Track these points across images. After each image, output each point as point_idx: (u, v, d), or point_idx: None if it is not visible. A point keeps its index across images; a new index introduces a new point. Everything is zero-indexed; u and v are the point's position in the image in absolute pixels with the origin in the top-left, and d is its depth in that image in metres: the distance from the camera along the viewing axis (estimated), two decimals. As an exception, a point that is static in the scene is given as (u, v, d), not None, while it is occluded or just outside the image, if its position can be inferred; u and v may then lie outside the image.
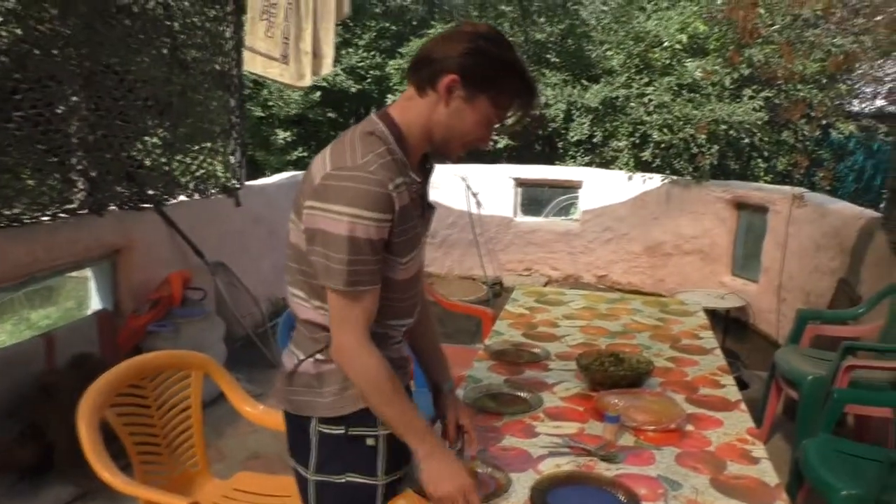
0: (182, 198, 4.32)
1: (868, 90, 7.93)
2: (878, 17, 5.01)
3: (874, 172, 8.69)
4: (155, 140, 4.02)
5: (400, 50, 9.35)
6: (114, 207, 3.65)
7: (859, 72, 7.48)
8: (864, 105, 8.17)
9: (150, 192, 3.95)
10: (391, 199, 1.33)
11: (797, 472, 2.63)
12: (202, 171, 4.50)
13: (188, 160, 4.36)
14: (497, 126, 1.46)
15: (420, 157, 1.48)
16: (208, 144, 4.54)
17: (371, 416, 1.45)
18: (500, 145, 8.44)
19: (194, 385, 2.18)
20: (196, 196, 4.44)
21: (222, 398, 2.32)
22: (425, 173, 1.52)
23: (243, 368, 4.36)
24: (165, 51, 3.97)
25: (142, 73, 3.79)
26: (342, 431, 1.47)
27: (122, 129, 3.65)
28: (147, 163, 3.97)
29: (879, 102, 7.61)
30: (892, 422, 2.86)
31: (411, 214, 1.42)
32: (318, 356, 1.47)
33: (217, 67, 4.51)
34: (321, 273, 1.36)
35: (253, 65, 4.08)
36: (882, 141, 7.58)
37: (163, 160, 4.10)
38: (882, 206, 4.21)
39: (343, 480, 1.48)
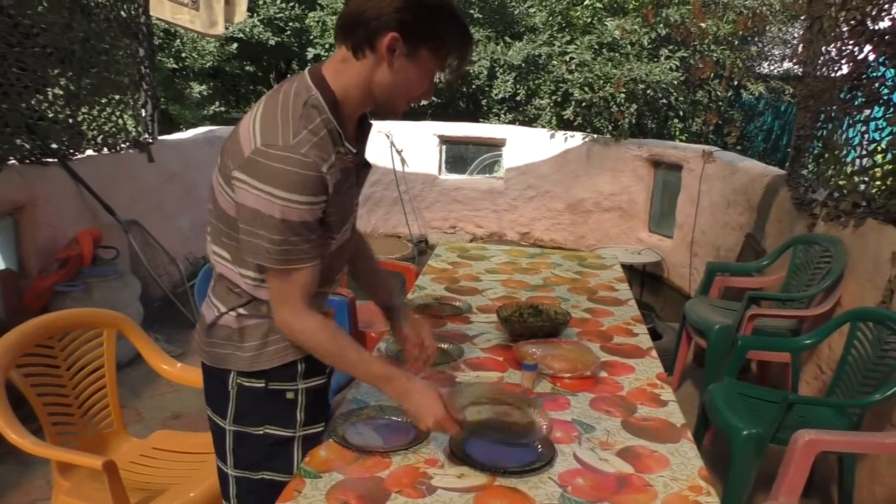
0: (90, 152, 4.11)
1: (777, 52, 8.24)
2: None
3: (781, 132, 9.08)
4: (57, 91, 3.79)
5: (320, 1, 9.06)
6: (13, 161, 3.45)
7: (769, 34, 7.76)
8: (773, 67, 8.49)
9: (54, 145, 3.74)
10: (324, 181, 1.29)
11: (704, 414, 2.78)
12: (111, 124, 4.29)
13: (94, 112, 4.14)
14: (437, 77, 1.42)
15: (357, 117, 1.43)
16: (116, 96, 4.33)
17: (291, 371, 1.46)
18: (423, 102, 8.37)
19: (107, 344, 2.11)
20: (105, 151, 4.23)
21: (140, 359, 2.26)
22: (363, 131, 1.47)
23: (162, 329, 4.25)
24: (65, -6, 3.73)
25: (39, 19, 3.55)
26: (262, 385, 1.46)
27: (20, 78, 3.43)
28: (49, 115, 3.74)
29: (787, 65, 7.92)
30: (790, 366, 3.05)
31: (344, 187, 1.39)
32: (241, 310, 1.44)
33: (123, 14, 4.27)
34: (252, 252, 1.32)
35: (160, 10, 3.88)
36: (789, 102, 7.91)
37: (67, 112, 3.87)
38: (787, 164, 4.42)
39: (261, 432, 1.48)
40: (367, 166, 1.51)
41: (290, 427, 1.49)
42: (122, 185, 4.28)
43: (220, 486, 1.59)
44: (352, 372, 1.48)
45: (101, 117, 4.21)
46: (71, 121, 3.91)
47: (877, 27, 3.04)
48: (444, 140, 7.35)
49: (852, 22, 3.28)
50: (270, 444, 1.49)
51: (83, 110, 4.05)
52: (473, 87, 8.19)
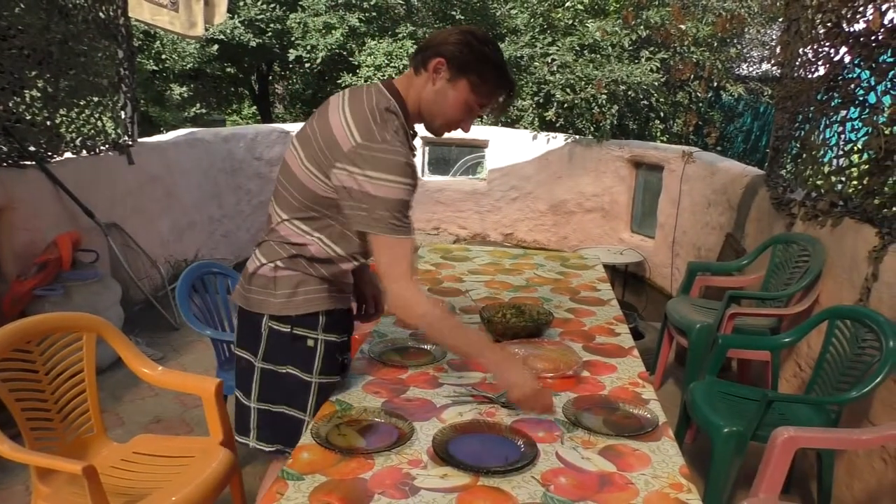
0: (68, 155, 4.07)
1: (755, 54, 8.33)
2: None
3: (760, 133, 9.19)
4: (34, 92, 3.74)
5: (301, 3, 9.03)
6: (-9, 165, 3.41)
7: (748, 36, 7.85)
8: (752, 69, 8.59)
9: (32, 148, 3.69)
10: (415, 168, 1.61)
11: (686, 412, 2.80)
12: (89, 126, 4.25)
13: (73, 115, 4.10)
14: (477, 112, 1.70)
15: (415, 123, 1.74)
16: (95, 98, 4.28)
17: (314, 320, 1.71)
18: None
19: (86, 348, 2.09)
20: (84, 153, 4.19)
21: (120, 362, 2.24)
22: (414, 133, 1.75)
23: (143, 332, 4.22)
24: (42, -5, 3.69)
25: (16, 20, 3.51)
26: (288, 330, 1.71)
27: (-4, 80, 3.39)
28: (27, 117, 3.70)
29: (765, 66, 8.01)
30: (769, 364, 3.08)
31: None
32: (279, 263, 1.70)
33: (101, 15, 4.23)
34: (362, 223, 1.58)
35: (139, 12, 3.85)
36: (767, 103, 8.01)
37: (45, 114, 3.83)
38: (766, 164, 4.46)
39: (285, 371, 1.73)
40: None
41: (308, 372, 1.73)
42: (101, 188, 4.24)
43: (237, 419, 1.83)
44: (450, 337, 1.66)
45: (80, 119, 4.16)
46: (49, 123, 3.87)
47: (852, 29, 3.08)
48: (427, 141, 7.36)
49: (828, 24, 3.32)
50: (292, 384, 1.73)
51: (61, 112, 4.01)
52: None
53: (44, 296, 3.45)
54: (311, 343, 1.72)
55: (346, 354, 1.88)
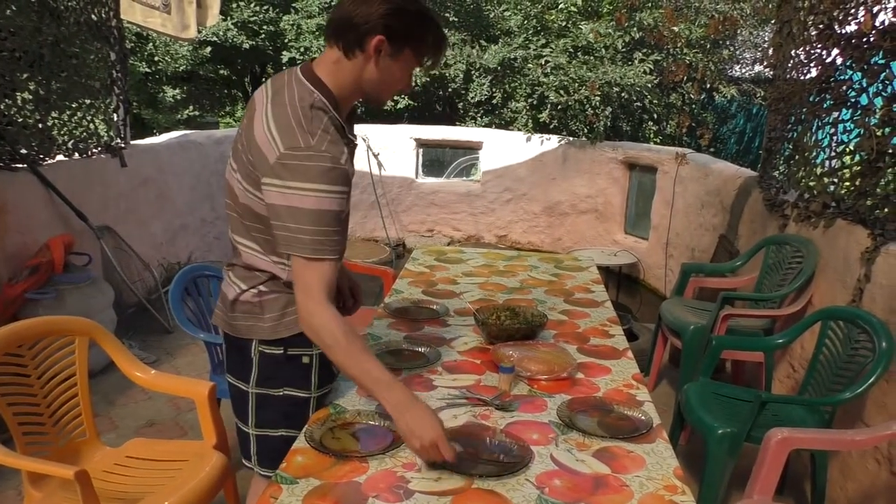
0: (61, 157, 4.05)
1: (748, 56, 8.36)
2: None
3: (753, 135, 9.21)
4: (26, 95, 3.72)
5: (294, 4, 9.02)
6: (-18, 168, 3.39)
7: (740, 38, 7.87)
8: (744, 70, 8.62)
9: (24, 151, 3.67)
10: (347, 173, 1.46)
11: (680, 414, 2.81)
12: (82, 129, 4.23)
13: (65, 117, 4.08)
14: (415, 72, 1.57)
15: (350, 110, 1.62)
16: (87, 101, 4.26)
17: (307, 337, 1.54)
18: (400, 105, 8.38)
19: (79, 351, 2.08)
20: (76, 156, 4.17)
21: (113, 366, 2.23)
22: (350, 116, 1.65)
23: (136, 335, 4.21)
24: (34, -2, 3.68)
25: (7, 22, 3.49)
26: (281, 351, 1.64)
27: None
28: (18, 119, 3.68)
29: (758, 68, 8.04)
30: (763, 365, 3.09)
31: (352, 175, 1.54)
32: (261, 287, 1.62)
33: (93, 17, 4.22)
34: (286, 244, 1.46)
35: (132, 14, 3.83)
36: (760, 104, 8.03)
37: (36, 117, 3.81)
38: (759, 166, 4.48)
39: (281, 393, 1.68)
40: (354, 144, 1.65)
41: (306, 388, 1.69)
42: (94, 191, 4.22)
43: (241, 446, 1.77)
44: (355, 369, 1.48)
45: (72, 122, 4.14)
46: (41, 126, 3.85)
47: (844, 31, 3.10)
48: (421, 143, 7.36)
49: (820, 26, 3.33)
50: (289, 405, 1.68)
51: (53, 115, 3.99)
52: (450, 90, 8.21)
53: (36, 299, 3.43)
54: (306, 360, 1.67)
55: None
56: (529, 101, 7.25)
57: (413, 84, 1.60)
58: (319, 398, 1.72)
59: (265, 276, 1.62)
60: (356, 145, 1.66)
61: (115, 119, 4.60)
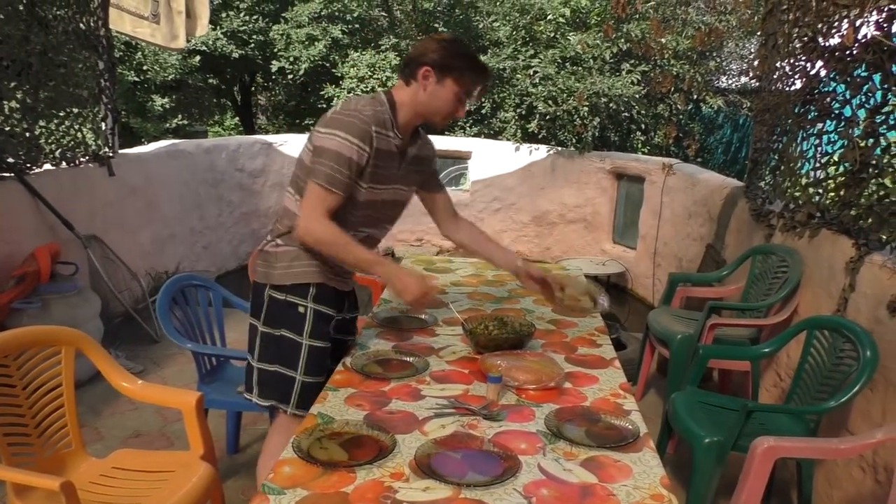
0: (48, 166, 4.03)
1: (734, 67, 8.45)
2: (741, -1, 5.34)
3: (740, 145, 9.30)
4: (13, 104, 3.71)
5: (284, 14, 9.03)
6: (-32, 176, 3.37)
7: (727, 50, 7.95)
8: (731, 81, 8.70)
9: (11, 159, 3.66)
10: (371, 135, 1.90)
11: (667, 423, 2.82)
12: (69, 137, 4.21)
13: (52, 126, 4.07)
14: (466, 100, 1.99)
15: (412, 129, 2.06)
16: (75, 109, 4.25)
17: (305, 290, 2.01)
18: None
19: (65, 362, 2.06)
20: (64, 165, 4.15)
21: (100, 376, 2.21)
22: (414, 137, 2.11)
23: (123, 345, 4.18)
24: (21, 7, 3.66)
25: (-5, 31, 3.48)
26: (283, 297, 2.01)
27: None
28: (6, 128, 3.66)
29: (744, 79, 8.12)
30: (750, 374, 3.11)
31: (387, 159, 1.99)
32: (278, 240, 2.03)
33: (81, 26, 4.21)
34: (312, 174, 1.90)
35: (120, 24, 3.83)
36: (746, 115, 8.11)
37: (24, 126, 3.80)
38: (745, 176, 4.52)
39: (279, 334, 2.03)
40: (415, 171, 2.18)
41: (300, 334, 2.01)
42: (81, 200, 4.21)
43: (246, 379, 2.11)
44: (348, 257, 1.93)
45: (60, 131, 4.13)
46: (28, 134, 3.83)
47: (827, 44, 3.14)
48: (410, 153, 7.36)
49: (804, 39, 3.38)
50: (285, 346, 2.02)
51: (41, 124, 3.98)
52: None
53: (22, 309, 3.41)
54: (301, 310, 2.01)
55: (348, 337, 2.25)
56: (518, 111, 7.29)
57: (463, 112, 2.05)
58: (313, 349, 2.02)
59: (286, 227, 2.00)
60: (405, 149, 2.06)
61: (103, 128, 4.59)
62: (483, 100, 7.65)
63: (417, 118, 2.03)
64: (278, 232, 2.04)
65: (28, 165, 3.81)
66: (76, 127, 4.29)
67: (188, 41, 3.99)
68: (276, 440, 2.05)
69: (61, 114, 4.14)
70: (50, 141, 4.06)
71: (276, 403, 2.05)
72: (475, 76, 1.98)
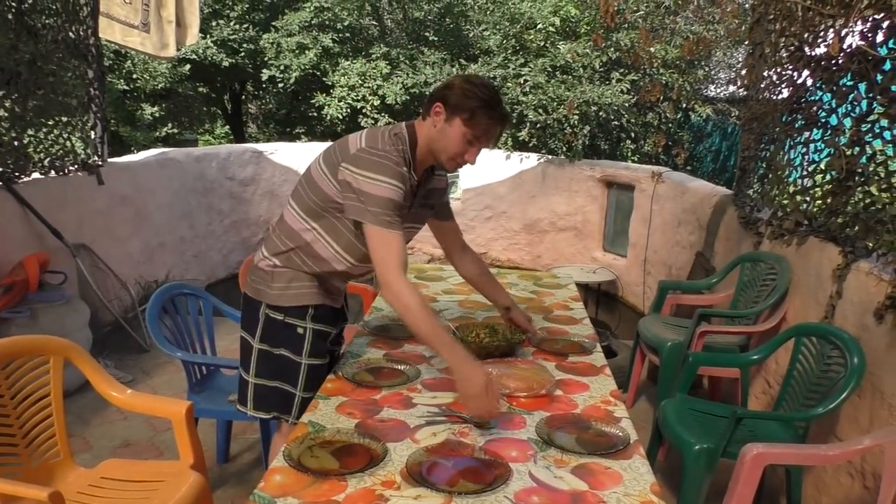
0: (36, 175, 4.01)
1: (723, 76, 8.52)
2: (728, 9, 5.39)
3: (729, 153, 9.37)
4: (2, 112, 3.70)
5: (274, 23, 9.04)
6: (-44, 185, 3.35)
7: (715, 59, 8.02)
8: (719, 90, 8.77)
9: (-1, 168, 3.64)
10: (404, 175, 1.87)
11: (658, 430, 2.82)
12: (58, 146, 4.20)
13: (41, 135, 4.05)
14: (478, 145, 1.94)
15: (425, 165, 2.02)
16: (64, 118, 4.24)
17: (303, 312, 2.00)
18: (380, 123, 8.39)
19: (53, 371, 2.05)
20: (52, 173, 4.14)
21: (89, 385, 2.20)
22: (427, 176, 2.08)
23: (112, 354, 4.16)
24: (10, 16, 3.66)
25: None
26: (281, 318, 2.00)
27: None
28: (-7, 137, 3.65)
29: (732, 88, 8.19)
30: (739, 381, 3.13)
31: (405, 199, 1.91)
32: (276, 259, 2.00)
33: (71, 35, 4.20)
34: (354, 212, 1.84)
35: (111, 33, 3.82)
36: (734, 124, 8.17)
37: (12, 134, 3.78)
38: (734, 184, 4.55)
39: (278, 353, 2.02)
40: (427, 206, 2.15)
41: (298, 354, 2.01)
42: (70, 209, 4.19)
43: (239, 392, 2.10)
44: (425, 332, 1.78)
45: (49, 139, 4.11)
46: (17, 143, 3.81)
47: (813, 53, 3.17)
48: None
49: (791, 48, 3.41)
50: (284, 364, 2.02)
51: (29, 132, 3.96)
52: (429, 108, 8.24)
53: (10, 318, 3.39)
54: (300, 331, 2.00)
55: (336, 347, 2.22)
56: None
57: (472, 158, 1.99)
58: (311, 367, 2.02)
59: (286, 246, 1.98)
60: (416, 188, 2.02)
61: (93, 137, 4.58)
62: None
63: (430, 156, 1.98)
64: (277, 250, 2.00)
65: (16, 174, 3.79)
66: (65, 136, 4.27)
67: (178, 50, 3.99)
68: (282, 443, 2.02)
69: (50, 122, 4.13)
70: (39, 150, 4.05)
71: (278, 415, 2.07)
72: (487, 120, 1.90)
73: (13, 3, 3.65)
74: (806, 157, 3.29)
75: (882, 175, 2.63)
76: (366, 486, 1.42)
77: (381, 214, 1.80)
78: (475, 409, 1.69)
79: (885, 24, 2.60)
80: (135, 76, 9.55)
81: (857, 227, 2.71)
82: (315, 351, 2.03)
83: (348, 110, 7.94)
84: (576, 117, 6.74)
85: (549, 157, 6.97)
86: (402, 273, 1.79)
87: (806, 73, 3.27)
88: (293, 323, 1.99)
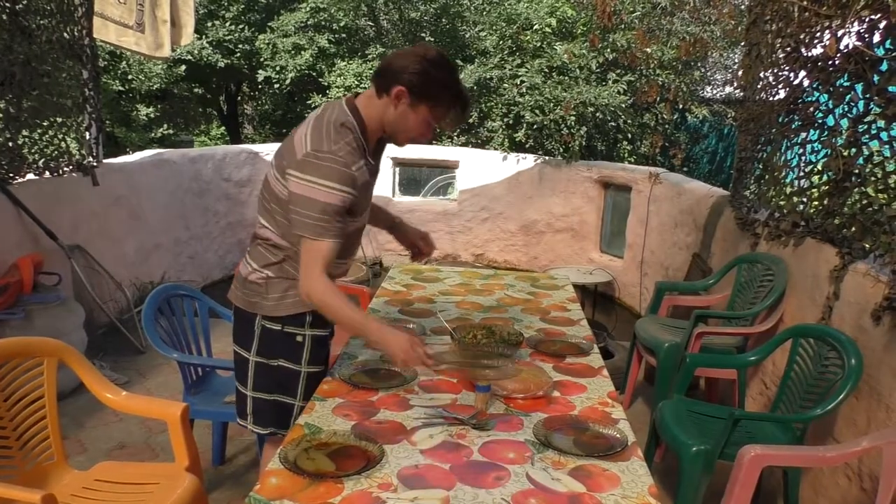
0: (31, 176, 4.00)
1: (719, 77, 8.53)
2: (725, 10, 5.39)
3: (725, 154, 9.38)
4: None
5: (270, 24, 9.03)
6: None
7: (711, 60, 8.03)
8: (716, 91, 8.78)
9: (-7, 169, 3.63)
10: (354, 178, 1.80)
11: (655, 431, 2.82)
12: (53, 147, 4.18)
13: (36, 136, 4.03)
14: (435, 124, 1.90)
15: (377, 139, 1.95)
16: (59, 119, 4.22)
17: (301, 320, 1.96)
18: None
19: (47, 373, 2.04)
20: (47, 174, 4.12)
21: (84, 387, 2.18)
22: (380, 146, 2.02)
23: (108, 356, 4.14)
24: (4, 16, 3.64)
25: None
26: (279, 328, 1.96)
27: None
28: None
29: (729, 89, 8.20)
30: (736, 382, 3.12)
31: (364, 189, 1.91)
32: (269, 271, 1.95)
33: (66, 36, 4.18)
34: (300, 226, 1.78)
35: (105, 33, 3.80)
36: (731, 125, 8.18)
37: (6, 135, 3.76)
38: (731, 185, 4.55)
39: (276, 364, 1.98)
40: (377, 172, 2.03)
41: (298, 363, 1.99)
42: (64, 210, 4.17)
43: (237, 405, 2.07)
44: (342, 321, 1.83)
45: (43, 140, 4.10)
46: (11, 144, 3.80)
47: (810, 54, 3.17)
48: (398, 162, 7.36)
49: (787, 49, 3.41)
50: (282, 375, 1.99)
51: (24, 133, 3.94)
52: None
53: (4, 320, 3.37)
54: (299, 339, 1.98)
55: (327, 347, 2.17)
56: (505, 120, 7.31)
57: (430, 136, 1.95)
58: (311, 374, 2.00)
59: (276, 257, 1.94)
60: (376, 168, 1.98)
61: (88, 137, 4.56)
62: (470, 109, 7.68)
63: (380, 131, 1.92)
64: (267, 261, 1.95)
65: (11, 175, 3.78)
66: (60, 136, 4.26)
67: (173, 50, 3.97)
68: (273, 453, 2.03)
69: (45, 123, 4.11)
70: (33, 150, 4.03)
71: (276, 430, 2.02)
72: (451, 105, 1.87)
73: (7, 4, 3.63)
74: (803, 157, 3.29)
75: (879, 176, 2.63)
76: (362, 489, 1.41)
77: (315, 222, 1.75)
78: (406, 362, 1.81)
79: (881, 25, 2.59)
80: (130, 77, 9.53)
81: (854, 229, 2.71)
82: (314, 358, 2.01)
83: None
84: (572, 118, 6.73)
85: (546, 158, 6.96)
86: (321, 275, 1.78)
87: (802, 73, 3.27)
88: (292, 332, 1.97)
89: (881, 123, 2.63)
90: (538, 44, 7.37)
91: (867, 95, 2.72)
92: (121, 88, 9.67)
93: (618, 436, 1.67)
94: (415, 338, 1.81)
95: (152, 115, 10.22)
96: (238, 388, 2.05)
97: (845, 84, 2.88)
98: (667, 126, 7.87)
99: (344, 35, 9.14)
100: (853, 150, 2.78)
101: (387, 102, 1.83)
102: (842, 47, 2.81)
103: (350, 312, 1.83)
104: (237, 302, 2.01)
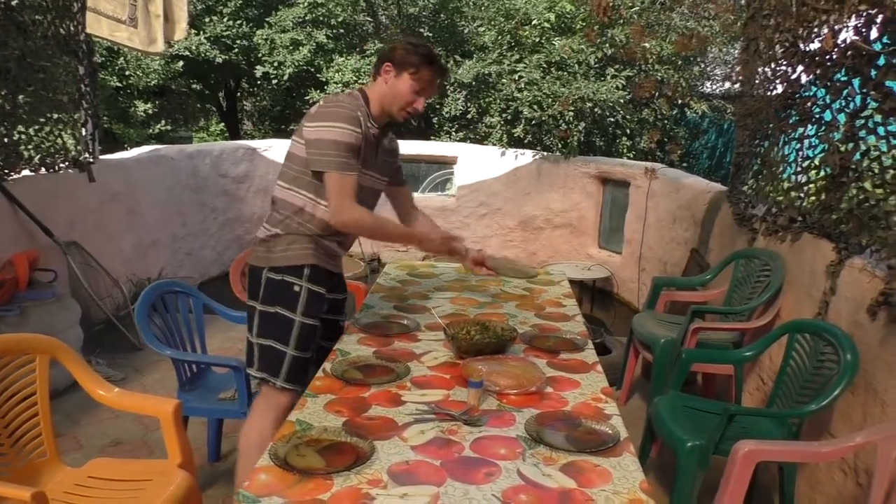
0: (27, 172, 3.98)
1: (719, 72, 8.50)
2: (723, 4, 5.37)
3: (724, 150, 9.33)
4: (-9, 109, 3.67)
5: (268, 19, 9.00)
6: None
7: (710, 55, 8.00)
8: (715, 87, 8.75)
9: (-12, 165, 3.61)
10: (359, 119, 2.15)
11: (651, 427, 2.81)
12: (49, 143, 4.17)
13: (31, 132, 4.02)
14: (423, 95, 2.24)
15: (383, 122, 2.30)
16: (55, 115, 4.21)
17: (300, 271, 2.21)
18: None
19: (39, 370, 2.03)
20: (43, 170, 4.11)
21: (79, 384, 2.18)
22: (384, 130, 2.36)
23: (104, 353, 4.13)
24: (-1, 12, 3.63)
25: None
26: (280, 278, 2.20)
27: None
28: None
29: (728, 84, 8.17)
30: (733, 378, 3.11)
31: (368, 145, 2.23)
32: (277, 229, 2.22)
33: (61, 31, 4.17)
34: (321, 165, 2.10)
35: (98, 28, 3.78)
36: (730, 120, 8.14)
37: (2, 131, 3.75)
38: (728, 180, 4.53)
39: (274, 311, 2.21)
40: (392, 154, 2.49)
41: (293, 311, 2.20)
42: (60, 206, 4.16)
43: (247, 354, 2.29)
44: (386, 235, 2.67)
45: (39, 136, 4.08)
46: (7, 140, 3.79)
47: (808, 49, 3.16)
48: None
49: (785, 44, 3.40)
50: (279, 322, 2.20)
51: (20, 129, 3.93)
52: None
53: (-1, 316, 3.36)
54: (296, 289, 2.20)
55: (339, 316, 2.51)
56: (504, 115, 7.29)
57: (420, 105, 2.28)
58: (305, 326, 2.21)
59: (283, 215, 2.21)
60: (377, 132, 2.28)
61: (84, 133, 4.54)
62: (468, 105, 7.66)
63: (383, 114, 2.27)
64: (276, 220, 2.22)
65: (6, 171, 3.77)
66: (56, 132, 4.24)
67: (167, 45, 3.95)
68: (263, 404, 2.25)
69: (41, 119, 4.10)
70: (29, 147, 4.02)
71: (267, 377, 2.21)
72: (430, 72, 2.22)
73: (2, 0, 3.61)
74: (800, 153, 3.28)
75: (876, 171, 2.61)
76: (352, 485, 1.40)
77: (335, 157, 2.07)
78: (437, 248, 2.50)
79: (878, 19, 2.58)
80: (128, 73, 9.51)
81: (850, 224, 2.70)
82: (309, 310, 2.22)
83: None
84: (571, 114, 6.71)
85: (545, 153, 6.95)
86: (352, 203, 2.12)
87: (800, 68, 3.26)
88: (290, 281, 2.19)
89: (878, 118, 2.62)
90: (537, 39, 7.35)
91: (864, 90, 2.70)
92: (118, 84, 9.64)
93: (610, 431, 1.66)
94: (449, 235, 2.53)
95: (150, 112, 10.20)
96: (248, 336, 2.28)
97: (843, 78, 2.87)
98: (665, 122, 7.85)
99: (342, 30, 9.12)
100: (850, 144, 2.77)
101: (380, 82, 2.23)
102: (839, 42, 2.80)
103: (391, 226, 2.35)
104: (251, 261, 2.27)
